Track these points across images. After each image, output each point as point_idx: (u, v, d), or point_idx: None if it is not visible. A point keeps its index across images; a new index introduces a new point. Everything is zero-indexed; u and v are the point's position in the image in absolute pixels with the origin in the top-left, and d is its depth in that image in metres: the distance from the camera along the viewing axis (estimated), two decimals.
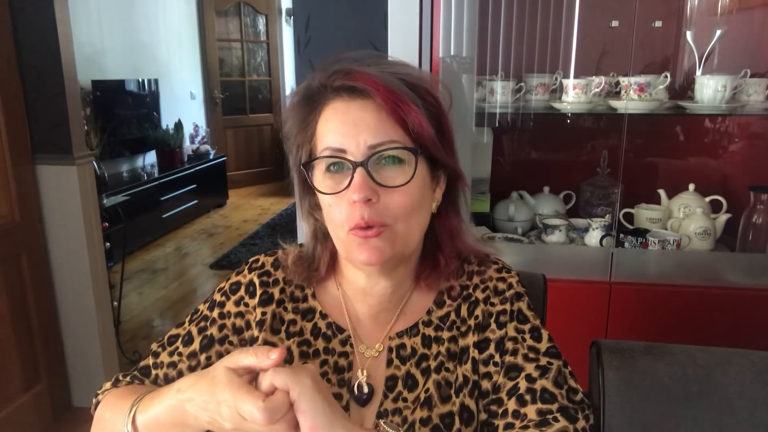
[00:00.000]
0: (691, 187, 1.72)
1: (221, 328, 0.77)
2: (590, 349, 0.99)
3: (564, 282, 1.53)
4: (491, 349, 0.73)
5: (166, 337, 0.80)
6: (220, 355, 0.75)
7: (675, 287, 1.54)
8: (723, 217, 1.66)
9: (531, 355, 0.71)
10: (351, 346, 0.76)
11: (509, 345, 0.73)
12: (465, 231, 0.79)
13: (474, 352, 0.74)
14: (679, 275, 1.55)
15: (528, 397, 0.68)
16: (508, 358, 0.72)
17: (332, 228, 0.71)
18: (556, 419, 0.66)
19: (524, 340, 0.73)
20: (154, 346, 0.80)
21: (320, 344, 0.77)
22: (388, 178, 0.67)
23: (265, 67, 6.74)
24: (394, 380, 0.74)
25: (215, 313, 0.79)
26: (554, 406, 0.67)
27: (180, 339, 0.79)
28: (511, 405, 0.68)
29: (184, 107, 5.64)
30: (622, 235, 1.62)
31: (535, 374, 0.69)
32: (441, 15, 1.49)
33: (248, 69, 6.57)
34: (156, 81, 4.95)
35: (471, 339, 0.74)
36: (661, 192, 1.76)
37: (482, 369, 0.73)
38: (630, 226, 1.70)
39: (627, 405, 0.93)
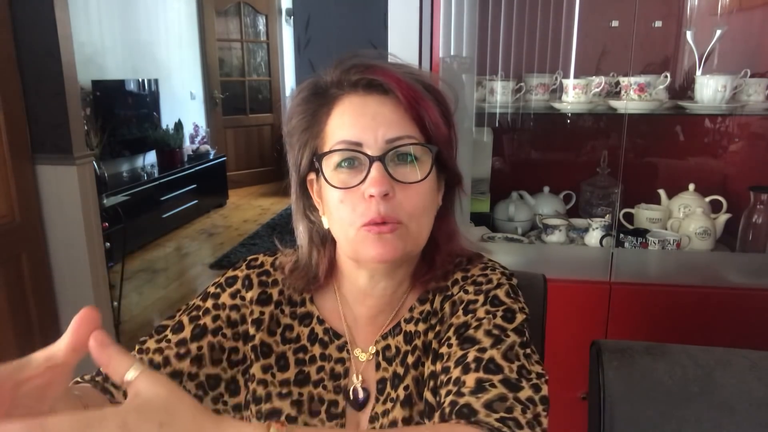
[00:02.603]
0: (691, 187, 1.72)
1: (215, 318, 0.75)
2: (590, 349, 0.99)
3: (564, 282, 1.53)
4: (450, 332, 0.69)
5: (154, 329, 0.78)
6: (212, 347, 0.73)
7: (675, 287, 1.54)
8: (723, 217, 1.66)
9: (495, 332, 0.66)
10: (348, 352, 0.76)
11: (473, 323, 0.68)
12: (460, 233, 0.79)
13: (434, 344, 0.72)
14: (679, 275, 1.55)
15: (473, 366, 0.63)
16: (467, 333, 0.67)
17: (340, 226, 0.68)
18: (493, 385, 0.60)
19: (494, 317, 0.68)
20: (142, 338, 0.77)
21: (317, 350, 0.76)
22: (403, 175, 0.66)
23: (265, 67, 6.73)
24: (383, 383, 0.74)
25: (209, 304, 0.77)
26: (496, 377, 0.61)
27: (169, 328, 0.76)
28: (455, 373, 0.63)
29: (184, 107, 5.64)
30: (622, 235, 1.62)
31: (487, 344, 0.65)
32: (441, 15, 1.49)
33: (248, 69, 6.56)
34: (156, 81, 4.95)
35: (435, 331, 0.73)
36: (661, 192, 1.76)
37: (439, 351, 0.69)
38: (630, 226, 1.70)
39: (627, 405, 0.93)
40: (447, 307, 0.74)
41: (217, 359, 0.74)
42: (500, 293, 0.72)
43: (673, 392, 0.93)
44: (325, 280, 0.78)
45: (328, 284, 0.79)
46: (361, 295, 0.76)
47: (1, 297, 2.03)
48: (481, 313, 0.69)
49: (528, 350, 0.66)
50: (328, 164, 0.68)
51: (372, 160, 0.65)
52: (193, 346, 0.73)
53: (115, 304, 2.78)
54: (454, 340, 0.68)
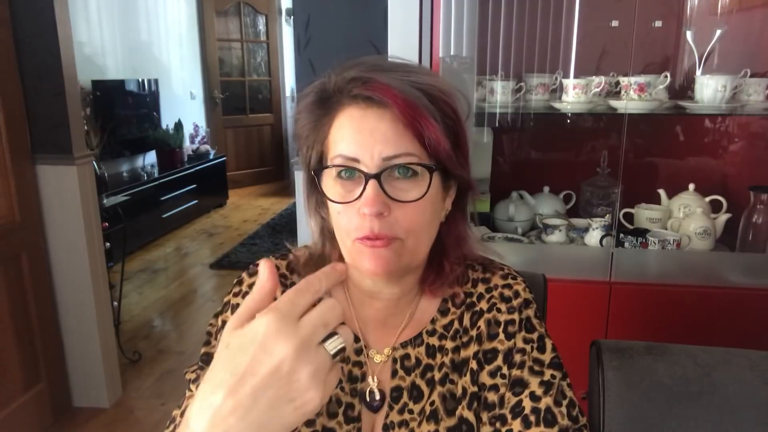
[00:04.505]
0: (691, 187, 1.72)
1: None
2: (590, 349, 1.00)
3: (564, 282, 1.53)
4: (499, 361, 0.72)
5: (199, 359, 0.77)
6: None
7: (675, 287, 1.54)
8: (723, 217, 1.66)
9: (536, 368, 0.71)
10: (364, 356, 0.75)
11: (517, 357, 0.72)
12: (471, 237, 0.78)
13: (473, 363, 0.73)
14: (679, 275, 1.55)
15: (532, 418, 0.68)
16: (514, 372, 0.71)
17: (339, 235, 0.69)
18: None
19: (531, 350, 0.72)
20: (189, 376, 0.75)
21: None
22: (401, 192, 0.65)
23: (265, 67, 6.73)
24: (399, 391, 0.73)
25: None
26: (554, 430, 0.67)
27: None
28: (516, 426, 0.68)
29: (184, 107, 5.64)
30: (622, 235, 1.62)
31: (539, 392, 0.69)
32: (441, 15, 1.49)
33: (248, 69, 6.56)
34: (156, 81, 4.94)
35: (471, 350, 0.74)
36: (661, 192, 1.76)
37: (489, 381, 0.72)
38: (630, 226, 1.70)
39: (627, 405, 0.93)
40: (483, 326, 0.74)
41: None
42: (531, 314, 0.75)
43: (673, 392, 0.93)
44: None
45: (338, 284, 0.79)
46: (368, 297, 0.76)
47: (1, 297, 2.03)
48: (519, 342, 0.73)
49: (567, 380, 0.72)
50: (329, 174, 0.68)
51: (368, 177, 0.64)
52: None
53: (115, 304, 2.78)
54: (506, 370, 0.72)
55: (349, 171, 0.66)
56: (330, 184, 0.68)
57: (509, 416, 0.69)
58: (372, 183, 0.64)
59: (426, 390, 0.73)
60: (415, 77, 0.67)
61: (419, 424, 0.71)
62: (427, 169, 0.66)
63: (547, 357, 0.72)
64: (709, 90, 1.56)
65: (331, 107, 0.68)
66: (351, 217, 0.66)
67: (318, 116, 0.70)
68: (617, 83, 1.71)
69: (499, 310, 0.75)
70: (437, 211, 0.71)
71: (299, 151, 0.74)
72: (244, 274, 0.80)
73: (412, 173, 0.66)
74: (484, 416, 0.71)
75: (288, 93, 6.88)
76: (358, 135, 0.65)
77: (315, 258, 0.77)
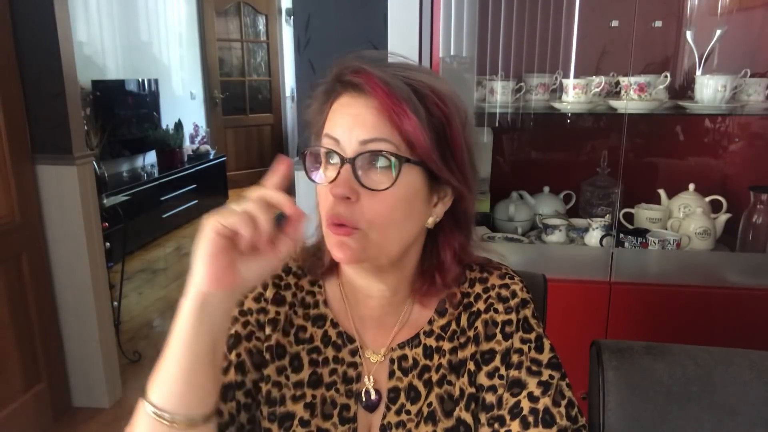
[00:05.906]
0: (691, 187, 1.72)
1: (245, 324, 0.75)
2: (590, 349, 1.00)
3: (564, 282, 1.53)
4: (497, 362, 0.72)
5: None
6: (250, 352, 0.74)
7: (675, 287, 1.54)
8: (723, 217, 1.66)
9: (534, 368, 0.71)
10: (360, 356, 0.75)
11: (514, 358, 0.72)
12: (471, 247, 0.78)
13: (471, 365, 0.73)
14: (679, 275, 1.55)
15: (531, 419, 0.68)
16: (512, 373, 0.71)
17: (322, 221, 0.70)
18: None
19: (529, 350, 0.72)
20: None
21: (330, 353, 0.75)
22: (373, 182, 0.65)
23: (265, 67, 6.74)
24: (396, 392, 0.73)
25: (235, 312, 0.76)
26: (553, 430, 0.67)
27: None
28: (515, 427, 0.68)
29: (184, 107, 5.64)
30: (622, 235, 1.62)
31: (537, 392, 0.69)
32: (441, 15, 1.49)
33: (248, 69, 6.57)
34: (156, 81, 4.95)
35: (468, 351, 0.74)
36: (661, 192, 1.76)
37: (487, 382, 0.72)
38: (630, 226, 1.70)
39: (627, 405, 0.94)
40: (480, 326, 0.74)
41: (258, 363, 0.74)
42: (528, 314, 0.75)
43: (673, 392, 0.93)
44: (329, 270, 0.78)
45: (334, 282, 0.79)
46: (363, 295, 0.76)
47: (1, 297, 2.03)
48: (517, 342, 0.73)
49: (566, 380, 0.72)
50: (318, 157, 0.69)
51: (343, 161, 0.65)
52: (233, 355, 0.73)
53: (115, 304, 2.78)
54: (503, 371, 0.72)
55: (332, 154, 0.67)
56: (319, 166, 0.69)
57: (507, 417, 0.69)
58: (346, 167, 0.65)
59: (423, 391, 0.73)
60: (409, 73, 0.67)
61: (416, 425, 0.71)
62: (397, 159, 0.65)
63: (544, 357, 0.72)
64: (709, 90, 1.57)
65: (330, 96, 0.70)
66: (324, 200, 0.67)
67: (321, 102, 0.72)
68: (617, 83, 1.71)
69: (496, 311, 0.75)
70: (415, 211, 0.69)
71: (309, 139, 0.75)
72: None
73: (388, 165, 0.65)
74: (483, 417, 0.71)
75: (288, 93, 6.88)
76: (342, 118, 0.67)
77: (311, 247, 0.78)
